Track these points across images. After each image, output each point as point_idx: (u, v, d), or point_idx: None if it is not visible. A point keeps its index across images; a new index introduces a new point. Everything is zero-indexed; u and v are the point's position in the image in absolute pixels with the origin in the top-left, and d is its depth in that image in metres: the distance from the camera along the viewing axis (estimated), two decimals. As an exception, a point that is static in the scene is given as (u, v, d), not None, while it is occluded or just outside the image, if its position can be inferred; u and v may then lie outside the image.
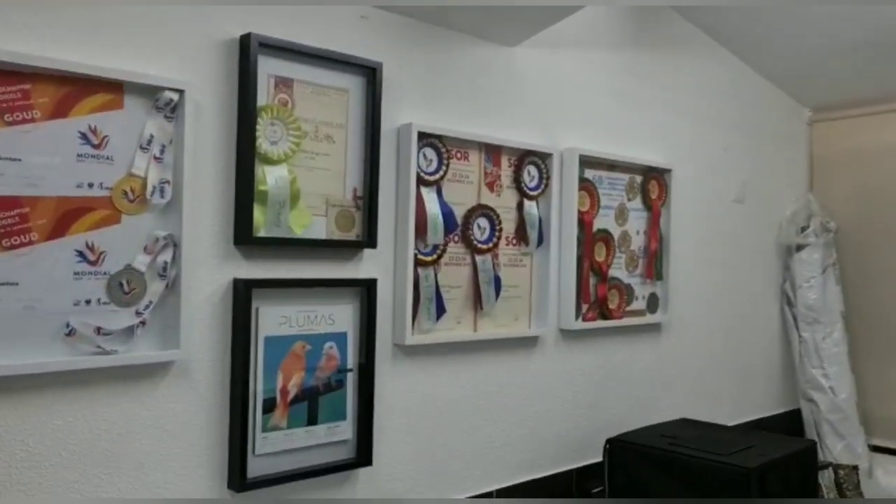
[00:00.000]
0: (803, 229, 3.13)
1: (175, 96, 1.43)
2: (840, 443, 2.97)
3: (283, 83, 1.62)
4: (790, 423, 3.14)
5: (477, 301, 2.00)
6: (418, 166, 1.85)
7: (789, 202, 3.18)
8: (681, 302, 2.66)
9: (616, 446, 2.12)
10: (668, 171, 2.55)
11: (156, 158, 1.43)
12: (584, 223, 2.26)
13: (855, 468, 2.83)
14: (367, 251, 1.77)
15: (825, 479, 2.70)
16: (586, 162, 2.28)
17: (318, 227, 1.68)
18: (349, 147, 1.73)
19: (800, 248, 3.11)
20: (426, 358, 1.90)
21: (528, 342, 2.15)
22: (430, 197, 1.87)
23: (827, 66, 2.93)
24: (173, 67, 1.46)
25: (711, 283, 2.82)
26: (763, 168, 3.09)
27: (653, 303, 2.54)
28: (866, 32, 2.60)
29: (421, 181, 1.86)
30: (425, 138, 1.86)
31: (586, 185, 2.29)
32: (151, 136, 1.42)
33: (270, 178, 1.58)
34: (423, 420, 1.90)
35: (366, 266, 1.78)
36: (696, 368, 2.74)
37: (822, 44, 2.75)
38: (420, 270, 1.86)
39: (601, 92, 2.37)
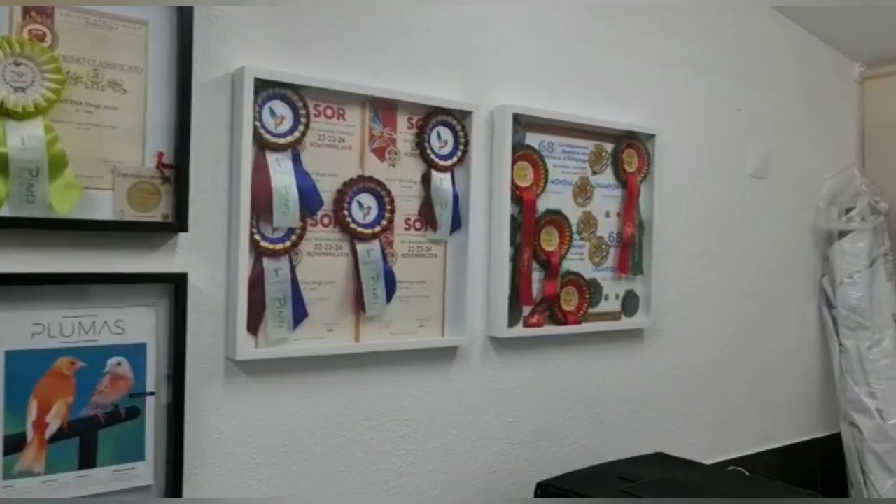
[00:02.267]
0: (847, 211, 2.52)
1: None
2: (889, 480, 2.36)
3: (38, 10, 1.20)
4: (828, 450, 2.54)
5: (359, 302, 1.54)
6: (262, 125, 1.40)
7: (829, 178, 2.57)
8: (672, 302, 2.13)
9: (550, 492, 1.63)
10: (651, 136, 2.02)
11: None
12: (523, 202, 1.77)
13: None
14: (184, 238, 1.34)
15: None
16: (529, 124, 1.78)
17: (101, 205, 1.26)
18: (150, 98, 1.30)
19: (842, 234, 2.51)
20: (279, 376, 1.46)
21: (443, 355, 1.68)
22: (280, 166, 1.43)
23: (879, 11, 2.31)
24: None
25: (720, 279, 2.26)
26: (799, 135, 2.50)
27: (631, 303, 2.02)
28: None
29: (266, 145, 1.41)
30: (271, 88, 1.41)
31: (527, 154, 1.79)
32: None
33: (13, 137, 1.17)
34: (271, 458, 1.46)
35: (182, 257, 1.35)
36: (694, 385, 2.20)
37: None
38: (266, 262, 1.42)
39: (551, 32, 1.86)
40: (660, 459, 1.82)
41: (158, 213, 1.31)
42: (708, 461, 2.18)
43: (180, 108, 1.30)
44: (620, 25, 1.98)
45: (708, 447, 2.21)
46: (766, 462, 2.35)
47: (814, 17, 2.44)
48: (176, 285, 1.31)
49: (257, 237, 1.40)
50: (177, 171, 1.31)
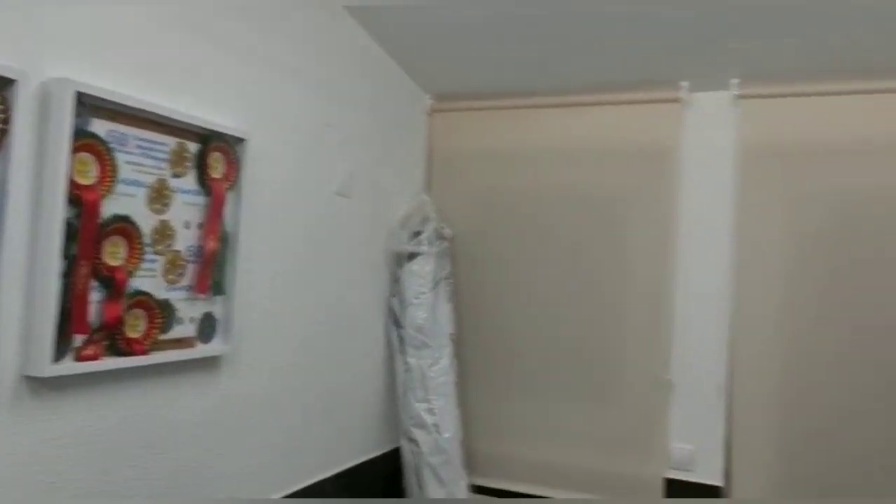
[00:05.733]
0: (416, 235, 2.63)
1: None
2: (441, 490, 2.51)
3: None
4: (389, 466, 2.61)
5: None
6: None
7: (404, 202, 2.67)
8: (254, 326, 1.93)
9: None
10: (241, 140, 1.81)
11: None
12: (83, 203, 1.40)
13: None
14: None
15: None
16: (96, 108, 1.43)
17: None
18: None
19: (412, 257, 2.61)
20: None
21: (-49, 404, 1.23)
22: None
23: (452, 47, 2.46)
24: None
25: (301, 300, 2.14)
26: (378, 158, 2.52)
27: (207, 327, 1.77)
28: (497, 12, 2.15)
29: None
30: None
31: (92, 145, 1.43)
32: None
33: None
34: None
35: None
36: (270, 414, 2.03)
37: (449, 21, 2.26)
38: None
39: (137, 2, 1.53)
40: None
41: None
42: (281, 493, 2.06)
43: None
44: (221, 16, 1.74)
45: (282, 478, 2.08)
46: (334, 485, 2.31)
47: (396, 45, 2.49)
48: None
49: None
50: None
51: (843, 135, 2.37)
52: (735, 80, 2.47)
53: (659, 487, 2.55)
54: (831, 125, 2.39)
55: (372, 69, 2.47)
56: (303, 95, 2.09)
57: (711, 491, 2.49)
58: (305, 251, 2.15)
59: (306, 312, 2.17)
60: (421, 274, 2.58)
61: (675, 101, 2.55)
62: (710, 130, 2.55)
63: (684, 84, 2.53)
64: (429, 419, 2.53)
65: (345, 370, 2.39)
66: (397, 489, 2.61)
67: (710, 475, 2.50)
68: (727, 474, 2.48)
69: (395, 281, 2.63)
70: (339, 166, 2.28)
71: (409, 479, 2.57)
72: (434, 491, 2.50)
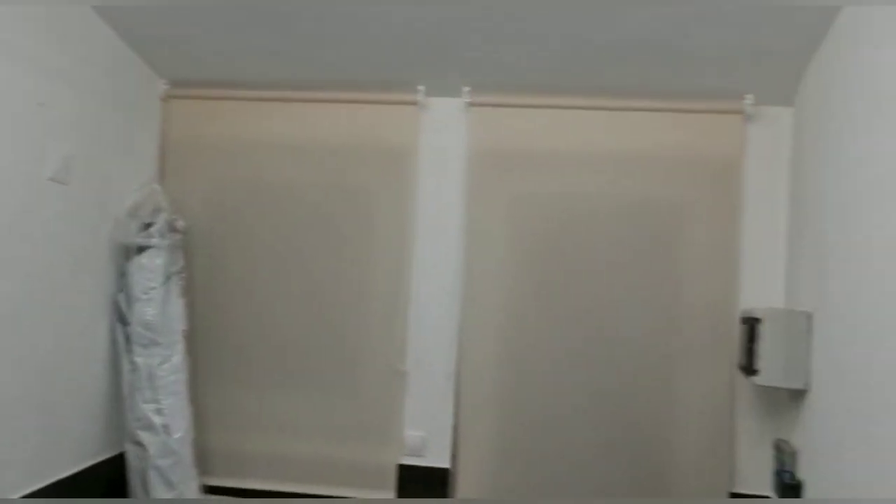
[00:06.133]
0: (147, 226, 2.48)
1: None
2: (170, 493, 2.40)
3: None
4: (111, 473, 2.45)
5: None
6: None
7: (133, 191, 2.50)
8: (-59, 325, 1.72)
9: None
10: (-74, 117, 1.59)
11: None
12: None
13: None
14: None
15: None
16: None
17: None
18: None
19: (141, 250, 2.46)
20: None
21: None
22: None
23: (190, 32, 2.36)
24: None
25: (6, 296, 1.93)
26: (102, 142, 2.35)
27: None
28: (239, 4, 2.10)
29: None
30: None
31: None
32: None
33: None
34: None
35: None
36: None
37: (186, 5, 2.16)
38: None
39: None
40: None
41: None
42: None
43: None
44: None
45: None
46: (48, 496, 2.12)
47: (126, 26, 2.33)
48: None
49: None
50: None
51: (558, 145, 2.64)
52: (467, 89, 2.64)
53: (393, 473, 2.66)
54: (549, 136, 2.64)
55: (98, 49, 2.29)
56: (10, 72, 1.89)
57: (440, 473, 2.65)
58: (11, 241, 1.94)
59: (12, 309, 1.96)
60: (151, 268, 2.44)
61: (413, 103, 2.67)
62: (444, 134, 2.70)
63: (421, 88, 2.65)
64: (157, 420, 2.40)
65: (61, 372, 2.20)
66: (121, 497, 2.45)
67: (439, 459, 2.66)
68: (454, 457, 2.65)
69: (122, 275, 2.46)
70: (54, 150, 2.09)
71: (134, 484, 2.42)
72: (162, 494, 2.38)
